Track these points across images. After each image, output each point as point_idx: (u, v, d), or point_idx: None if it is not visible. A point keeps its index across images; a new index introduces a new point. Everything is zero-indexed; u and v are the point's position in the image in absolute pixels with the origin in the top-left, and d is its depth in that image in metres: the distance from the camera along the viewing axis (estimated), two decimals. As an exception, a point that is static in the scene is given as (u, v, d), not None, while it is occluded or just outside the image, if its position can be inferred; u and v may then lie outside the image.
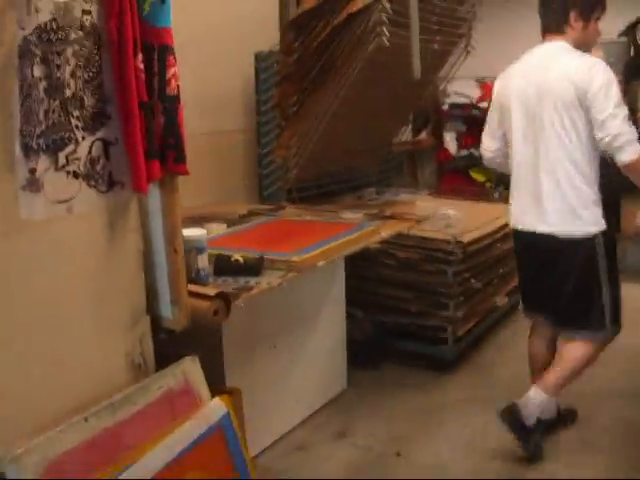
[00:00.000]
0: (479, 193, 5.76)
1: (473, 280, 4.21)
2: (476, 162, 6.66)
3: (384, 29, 3.77)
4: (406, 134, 5.99)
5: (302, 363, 3.61)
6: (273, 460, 3.37)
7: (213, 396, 3.00)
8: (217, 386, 3.02)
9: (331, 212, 4.06)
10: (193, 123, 4.28)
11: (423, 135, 6.78)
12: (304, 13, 4.02)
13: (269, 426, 3.45)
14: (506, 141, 3.20)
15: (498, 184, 6.44)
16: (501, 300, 4.66)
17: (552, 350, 3.33)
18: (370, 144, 4.91)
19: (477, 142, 6.60)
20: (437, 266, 4.04)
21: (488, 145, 3.31)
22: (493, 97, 3.29)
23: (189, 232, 2.68)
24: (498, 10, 6.46)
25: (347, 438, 3.53)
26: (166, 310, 2.33)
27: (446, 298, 4.05)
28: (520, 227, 3.18)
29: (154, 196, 2.24)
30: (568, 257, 3.04)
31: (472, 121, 6.68)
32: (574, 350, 3.13)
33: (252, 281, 2.74)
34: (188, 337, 2.58)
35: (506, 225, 4.58)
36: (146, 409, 2.17)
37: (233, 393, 3.03)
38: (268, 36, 4.33)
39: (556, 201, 2.98)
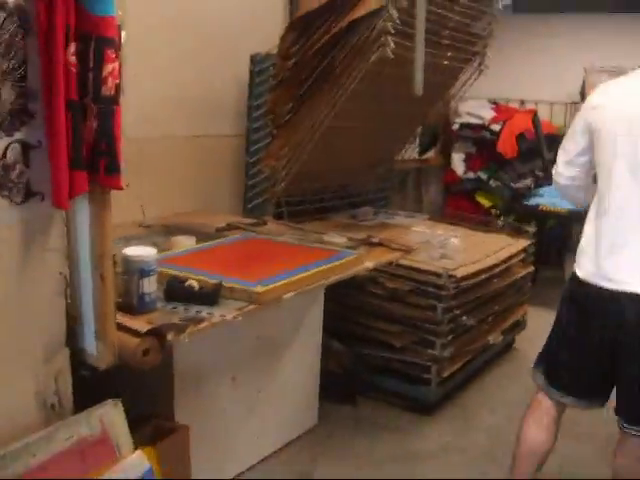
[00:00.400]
0: (483, 220, 5.37)
1: (465, 317, 3.84)
2: (482, 186, 6.33)
3: (389, 39, 3.42)
4: (412, 152, 5.63)
5: (267, 396, 3.26)
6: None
7: (155, 434, 2.67)
8: (160, 422, 2.70)
9: (316, 233, 3.69)
10: (177, 124, 3.97)
11: (431, 154, 6.41)
12: (305, 15, 3.67)
13: (225, 463, 3.10)
14: (586, 170, 2.66)
15: (504, 211, 6.09)
16: (495, 338, 4.27)
17: (554, 436, 2.70)
18: (368, 160, 4.56)
19: (485, 165, 6.36)
20: (426, 300, 3.67)
21: (563, 171, 2.71)
22: (582, 117, 2.60)
23: (134, 251, 2.33)
24: (518, 32, 6.13)
25: (309, 483, 3.18)
26: (90, 344, 1.98)
27: (433, 335, 3.68)
28: (604, 284, 2.42)
29: (82, 212, 1.89)
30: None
31: (482, 143, 6.33)
32: None
33: (204, 311, 2.38)
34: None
35: (509, 259, 4.24)
36: (49, 463, 1.81)
37: (179, 430, 2.70)
38: (266, 37, 3.97)
39: None
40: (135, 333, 1.95)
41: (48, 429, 1.86)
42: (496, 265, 4.05)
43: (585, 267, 2.50)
